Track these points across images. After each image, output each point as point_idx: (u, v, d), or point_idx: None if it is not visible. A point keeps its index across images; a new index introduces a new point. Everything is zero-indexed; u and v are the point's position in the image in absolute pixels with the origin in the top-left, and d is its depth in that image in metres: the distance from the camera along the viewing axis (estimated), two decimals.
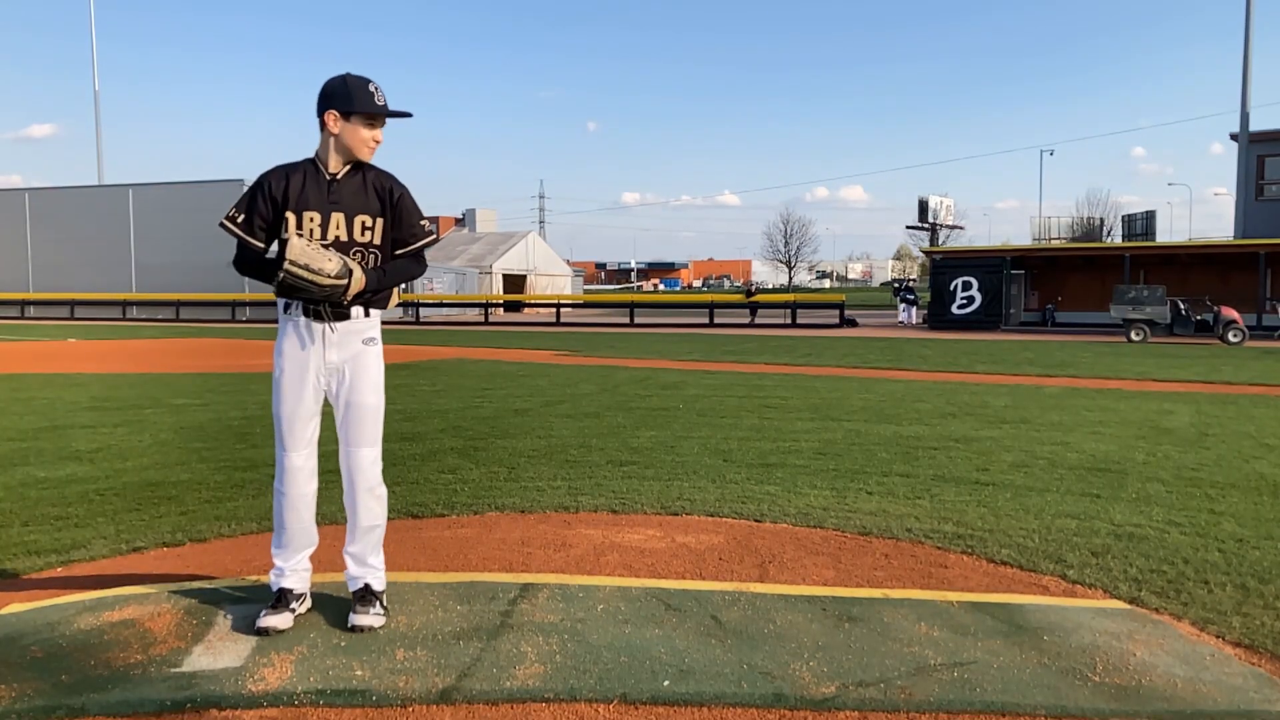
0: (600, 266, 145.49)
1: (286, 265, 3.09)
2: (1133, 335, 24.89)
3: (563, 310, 40.22)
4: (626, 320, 37.43)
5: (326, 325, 3.29)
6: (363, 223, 3.27)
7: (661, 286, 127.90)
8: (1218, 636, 3.39)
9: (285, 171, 3.29)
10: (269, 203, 3.24)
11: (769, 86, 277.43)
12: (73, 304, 42.35)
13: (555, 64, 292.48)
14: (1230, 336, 23.61)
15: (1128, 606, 3.71)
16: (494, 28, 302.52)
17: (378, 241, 3.30)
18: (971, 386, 12.56)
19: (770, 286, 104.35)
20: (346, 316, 3.31)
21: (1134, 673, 3.05)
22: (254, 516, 5.08)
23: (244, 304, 39.76)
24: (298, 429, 3.34)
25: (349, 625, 3.32)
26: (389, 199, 3.33)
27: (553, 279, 58.00)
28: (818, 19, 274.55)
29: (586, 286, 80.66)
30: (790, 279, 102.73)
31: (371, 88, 3.23)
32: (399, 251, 3.38)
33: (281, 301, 3.33)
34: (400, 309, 42.42)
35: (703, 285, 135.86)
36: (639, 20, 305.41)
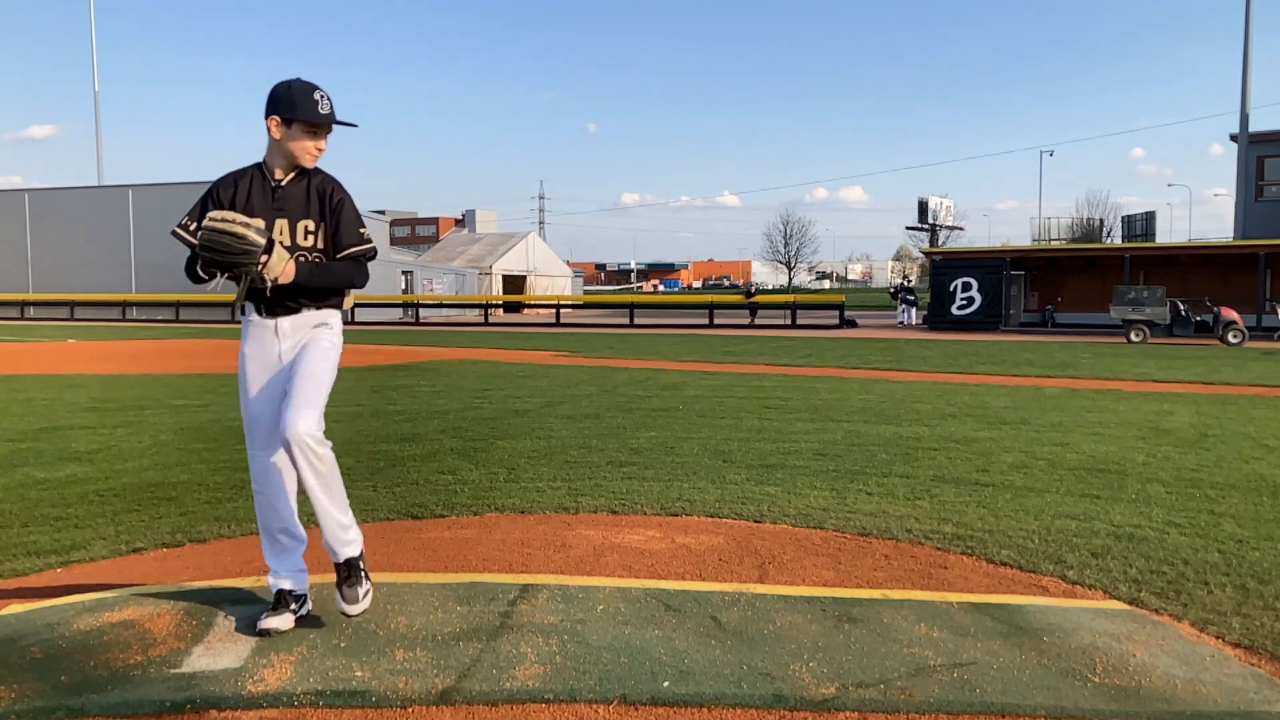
0: (600, 267, 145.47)
1: (206, 220, 3.04)
2: (1132, 336, 24.89)
3: (562, 311, 40.23)
4: (626, 321, 37.42)
5: (279, 320, 3.29)
6: (305, 227, 3.26)
7: (661, 287, 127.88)
8: (1218, 637, 3.39)
9: (234, 178, 3.30)
10: (218, 209, 3.21)
11: (769, 88, 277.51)
12: (72, 305, 42.34)
13: (556, 65, 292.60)
14: (1230, 337, 23.61)
15: (1128, 607, 3.71)
16: (494, 29, 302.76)
17: (320, 246, 3.28)
18: (971, 387, 12.56)
19: (770, 287, 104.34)
20: (296, 310, 3.31)
21: (1134, 674, 3.05)
22: (253, 517, 5.05)
23: (244, 305, 39.67)
24: (264, 426, 3.33)
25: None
26: (329, 204, 3.30)
27: (552, 280, 58.04)
28: (817, 20, 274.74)
29: (586, 287, 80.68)
30: (790, 280, 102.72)
31: (316, 95, 3.19)
32: (339, 255, 3.33)
33: (239, 304, 3.32)
34: (400, 309, 42.45)
35: (702, 286, 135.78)
36: (639, 22, 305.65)
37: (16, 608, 3.66)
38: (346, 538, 3.34)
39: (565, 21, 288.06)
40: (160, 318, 40.46)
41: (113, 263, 44.28)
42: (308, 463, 3.20)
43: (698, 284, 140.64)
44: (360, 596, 3.30)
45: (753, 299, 40.55)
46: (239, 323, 3.26)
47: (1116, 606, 3.73)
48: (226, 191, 3.26)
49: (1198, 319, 24.68)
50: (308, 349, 3.32)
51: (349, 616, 3.32)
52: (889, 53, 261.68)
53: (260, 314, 3.31)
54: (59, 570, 4.22)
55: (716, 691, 2.87)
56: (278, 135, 3.21)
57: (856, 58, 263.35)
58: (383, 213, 61.87)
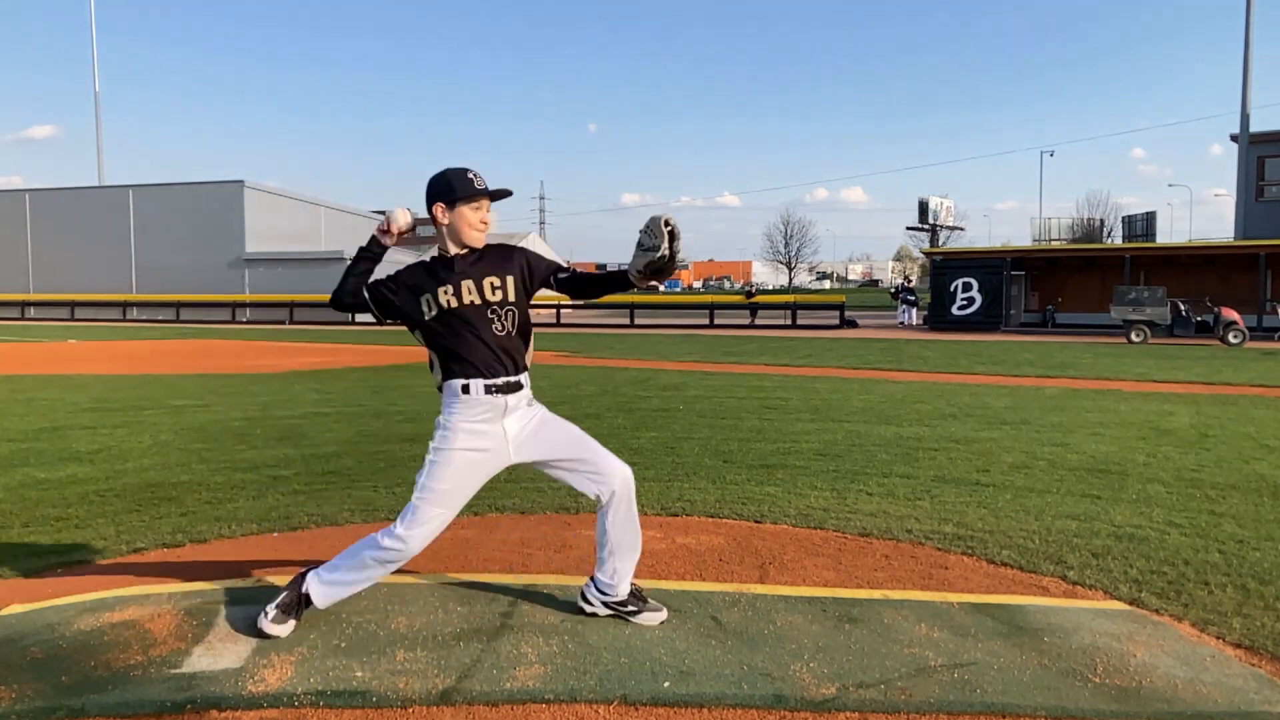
0: (600, 267, 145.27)
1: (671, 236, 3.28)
2: (1133, 336, 24.88)
3: (563, 311, 40.21)
4: (626, 321, 37.40)
5: (507, 398, 3.41)
6: (491, 283, 3.38)
7: (662, 287, 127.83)
8: (1218, 638, 3.40)
9: (419, 266, 3.46)
10: (400, 285, 3.41)
11: (769, 88, 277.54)
12: (73, 305, 42.34)
13: (556, 65, 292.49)
14: (1230, 337, 23.60)
15: (1128, 608, 3.71)
16: (494, 29, 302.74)
17: (511, 298, 3.40)
18: (972, 388, 12.56)
19: (770, 287, 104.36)
20: (521, 387, 3.46)
21: (1134, 674, 3.05)
22: (254, 518, 5.09)
23: (244, 305, 39.82)
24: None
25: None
26: (514, 255, 3.48)
27: None
28: (818, 21, 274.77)
29: None
30: (790, 280, 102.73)
31: (470, 174, 3.38)
32: (569, 276, 3.63)
33: (455, 384, 3.36)
34: None
35: (701, 287, 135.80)
36: (639, 22, 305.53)
37: (16, 608, 3.66)
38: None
39: (565, 22, 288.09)
40: (160, 318, 40.45)
41: (113, 263, 44.27)
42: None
43: (698, 284, 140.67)
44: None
45: (753, 299, 40.54)
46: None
47: (1117, 607, 3.73)
48: (411, 276, 3.42)
49: (1198, 319, 24.66)
50: (551, 421, 3.59)
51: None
52: (889, 53, 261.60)
53: (488, 392, 3.37)
54: (59, 570, 4.22)
55: (717, 692, 2.87)
56: (445, 220, 3.36)
57: (856, 58, 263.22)
58: (383, 213, 61.83)
